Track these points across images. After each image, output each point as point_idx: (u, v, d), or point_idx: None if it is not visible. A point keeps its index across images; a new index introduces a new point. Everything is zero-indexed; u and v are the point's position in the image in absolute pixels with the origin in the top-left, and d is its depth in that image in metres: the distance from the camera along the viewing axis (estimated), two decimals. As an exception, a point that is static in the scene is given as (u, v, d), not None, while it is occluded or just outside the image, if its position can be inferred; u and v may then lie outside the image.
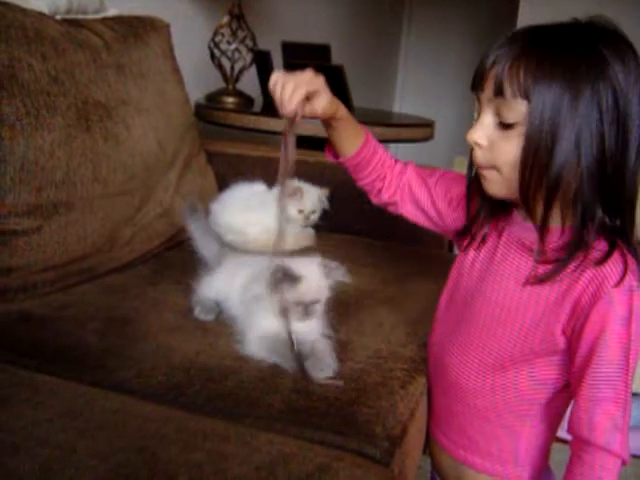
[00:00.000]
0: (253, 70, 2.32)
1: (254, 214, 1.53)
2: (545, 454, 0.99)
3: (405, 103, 4.71)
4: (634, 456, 1.54)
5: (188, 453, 0.75)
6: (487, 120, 0.84)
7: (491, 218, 0.95)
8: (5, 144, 1.10)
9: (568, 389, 0.90)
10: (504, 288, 0.92)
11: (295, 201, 1.54)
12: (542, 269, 0.86)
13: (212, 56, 2.18)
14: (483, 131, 0.85)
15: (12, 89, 1.12)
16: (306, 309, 0.99)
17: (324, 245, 1.55)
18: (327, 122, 1.03)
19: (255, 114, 2.11)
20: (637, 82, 0.78)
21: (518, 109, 0.80)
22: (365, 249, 1.61)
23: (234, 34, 2.17)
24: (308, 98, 0.95)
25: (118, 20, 1.50)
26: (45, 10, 1.30)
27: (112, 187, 1.32)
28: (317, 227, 1.64)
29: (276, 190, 1.57)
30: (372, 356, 1.04)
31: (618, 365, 0.81)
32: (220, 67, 2.20)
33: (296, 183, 1.55)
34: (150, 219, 1.45)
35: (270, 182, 1.61)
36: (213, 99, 2.22)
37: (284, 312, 0.98)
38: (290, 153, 0.96)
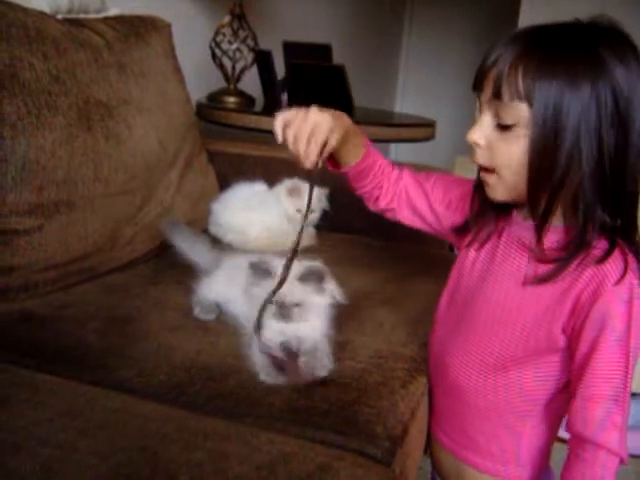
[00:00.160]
0: (254, 70, 2.32)
1: (255, 214, 1.53)
2: (546, 454, 0.99)
3: (406, 103, 4.71)
4: (633, 456, 1.54)
5: (189, 452, 0.75)
6: (486, 121, 0.84)
7: (492, 218, 0.95)
8: (6, 143, 1.10)
9: (569, 389, 0.90)
10: (505, 288, 0.92)
11: (293, 200, 1.54)
12: (543, 269, 0.86)
13: (213, 56, 2.18)
14: (482, 131, 0.85)
15: (13, 88, 1.12)
16: (282, 310, 0.97)
17: (325, 245, 1.55)
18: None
19: (256, 114, 2.11)
20: (638, 83, 0.78)
21: (516, 112, 0.80)
22: (365, 249, 1.61)
23: (235, 34, 2.17)
24: (325, 144, 0.94)
25: (119, 20, 1.50)
26: (46, 9, 1.30)
27: (113, 186, 1.32)
28: (318, 227, 1.64)
29: (281, 188, 1.57)
30: (373, 356, 1.04)
31: (618, 364, 0.81)
32: (221, 67, 2.20)
33: (295, 182, 1.54)
34: (151, 218, 1.45)
35: (271, 182, 1.61)
36: (214, 99, 2.22)
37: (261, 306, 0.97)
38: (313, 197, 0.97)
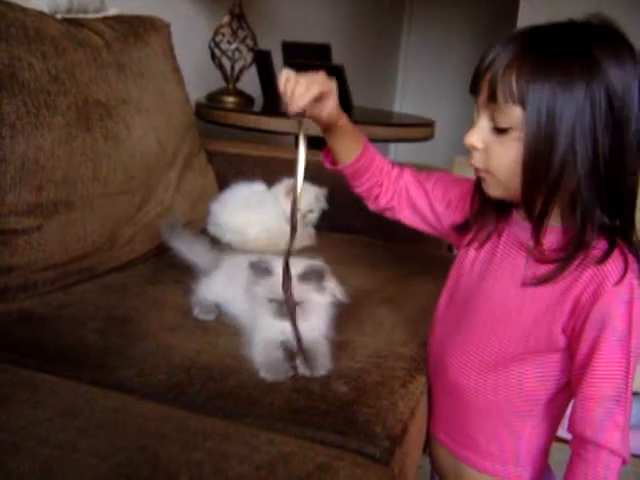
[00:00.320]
0: (253, 70, 2.32)
1: (254, 214, 1.53)
2: (545, 453, 0.99)
3: (405, 103, 4.71)
4: (634, 455, 1.54)
5: (189, 452, 0.75)
6: (483, 124, 0.85)
7: (492, 218, 0.95)
8: (5, 143, 1.10)
9: (569, 388, 0.90)
10: (504, 288, 0.92)
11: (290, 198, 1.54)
12: (542, 269, 0.86)
13: (212, 56, 2.18)
14: (479, 134, 0.85)
15: (12, 88, 1.12)
16: (280, 308, 0.97)
17: (324, 245, 1.55)
18: (328, 129, 1.03)
19: (255, 114, 2.11)
20: (634, 83, 0.78)
21: (511, 115, 0.80)
22: (365, 249, 1.61)
23: (234, 34, 2.17)
24: (317, 100, 0.94)
25: (118, 19, 1.49)
26: (45, 9, 1.30)
27: (112, 186, 1.32)
28: (317, 227, 1.64)
29: (280, 188, 1.57)
30: (372, 355, 1.04)
31: (618, 364, 0.81)
32: (220, 67, 2.20)
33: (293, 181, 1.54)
34: (150, 218, 1.45)
35: (270, 182, 1.61)
36: (213, 99, 2.22)
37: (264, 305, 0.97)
38: (301, 153, 0.94)
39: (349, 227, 1.71)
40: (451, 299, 1.04)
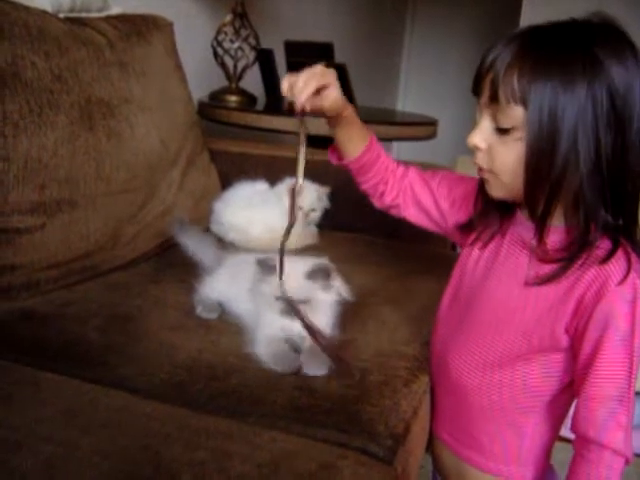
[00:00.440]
0: (256, 69, 2.32)
1: (256, 213, 1.53)
2: (548, 453, 0.99)
3: (408, 102, 4.70)
4: (637, 455, 1.54)
5: (191, 451, 0.75)
6: (485, 124, 0.85)
7: (496, 218, 0.95)
8: (8, 142, 1.10)
9: (572, 387, 0.89)
10: (507, 287, 0.92)
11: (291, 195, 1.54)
12: (546, 269, 0.86)
13: (215, 55, 2.18)
14: (482, 135, 0.85)
15: (15, 87, 1.12)
16: (287, 306, 0.97)
17: (327, 244, 1.55)
18: (333, 121, 1.03)
19: (258, 112, 2.11)
20: (636, 81, 0.78)
21: (513, 115, 0.80)
22: (368, 247, 1.60)
23: (237, 33, 2.17)
24: (318, 92, 0.95)
25: (121, 18, 1.50)
26: (48, 8, 1.30)
27: (115, 185, 1.32)
28: (320, 225, 1.64)
29: (282, 186, 1.57)
30: (375, 354, 1.04)
31: (621, 363, 0.81)
32: (223, 65, 2.20)
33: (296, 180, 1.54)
34: (153, 217, 1.45)
35: (273, 180, 1.61)
36: (216, 97, 2.22)
37: (270, 304, 0.97)
38: (302, 150, 0.95)
39: (351, 226, 1.71)
40: (454, 298, 1.03)
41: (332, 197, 1.62)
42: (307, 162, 0.98)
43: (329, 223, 1.63)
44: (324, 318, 1.01)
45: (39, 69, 1.16)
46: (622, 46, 0.79)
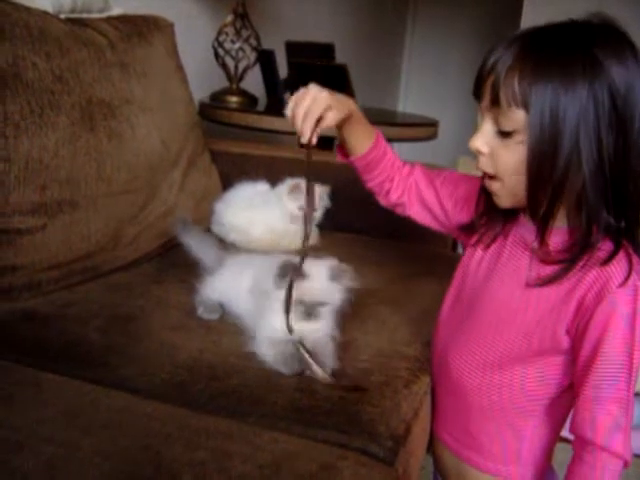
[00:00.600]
0: (257, 69, 2.32)
1: (257, 213, 1.53)
2: (548, 454, 0.98)
3: (409, 102, 4.70)
4: (636, 455, 1.53)
5: (192, 451, 0.75)
6: (487, 128, 0.85)
7: (499, 220, 0.95)
8: (9, 143, 1.10)
9: (572, 390, 0.89)
10: (509, 288, 0.92)
11: (295, 199, 1.54)
12: (548, 270, 0.86)
13: (216, 55, 2.18)
14: (483, 138, 0.85)
15: (16, 88, 1.12)
16: (308, 310, 0.98)
17: (328, 244, 1.55)
18: (340, 124, 1.04)
19: (259, 113, 2.11)
20: (637, 80, 0.78)
21: (515, 118, 0.80)
22: (369, 248, 1.60)
23: (238, 33, 2.17)
24: (320, 119, 0.96)
25: (122, 19, 1.50)
26: (49, 9, 1.31)
27: (116, 186, 1.32)
28: (320, 226, 1.64)
29: (283, 187, 1.57)
30: (376, 355, 1.04)
31: (621, 365, 0.81)
32: (224, 66, 2.20)
33: (297, 181, 1.54)
34: (154, 218, 1.45)
35: (274, 181, 1.61)
36: (217, 98, 2.22)
37: (287, 308, 0.97)
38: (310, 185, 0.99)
39: (352, 226, 1.71)
40: (456, 299, 1.03)
41: (333, 197, 1.62)
42: (310, 163, 0.99)
43: (330, 223, 1.63)
44: (323, 320, 1.01)
45: (40, 70, 1.17)
46: (622, 46, 0.79)
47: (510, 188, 0.86)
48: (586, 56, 0.77)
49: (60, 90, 1.20)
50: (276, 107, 2.29)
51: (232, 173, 1.74)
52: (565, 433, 0.92)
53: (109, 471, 0.70)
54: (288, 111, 0.98)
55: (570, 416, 0.88)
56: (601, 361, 0.81)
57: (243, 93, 2.24)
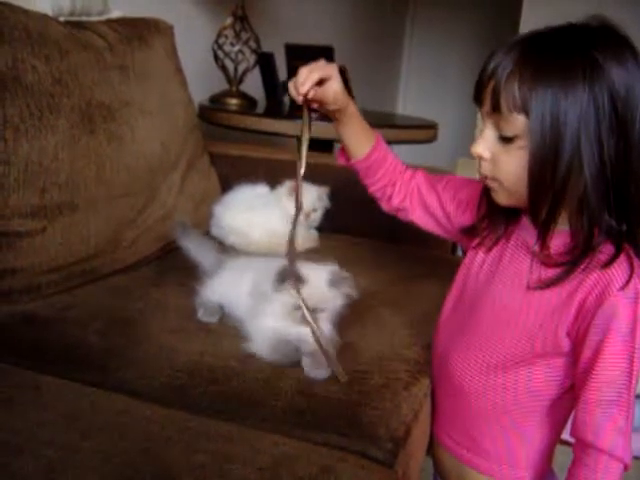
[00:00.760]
0: (256, 72, 2.32)
1: (257, 216, 1.53)
2: (549, 456, 0.98)
3: (408, 105, 4.71)
4: (636, 457, 1.53)
5: (191, 454, 0.75)
6: (489, 134, 0.85)
7: (501, 222, 0.95)
8: (9, 146, 1.10)
9: (572, 392, 0.89)
10: (511, 290, 0.92)
11: (294, 199, 1.54)
12: (549, 272, 0.86)
13: (215, 58, 2.18)
14: (485, 144, 0.85)
15: (16, 91, 1.12)
16: (304, 315, 0.97)
17: (327, 247, 1.55)
18: (338, 117, 1.04)
19: (258, 116, 2.11)
20: (636, 82, 0.78)
21: (515, 123, 0.80)
22: (368, 250, 1.60)
23: (237, 36, 2.17)
24: (321, 83, 0.97)
25: (121, 22, 1.50)
26: (49, 12, 1.31)
27: (116, 188, 1.32)
28: (320, 228, 1.64)
29: (282, 189, 1.57)
30: (375, 357, 1.03)
31: (622, 368, 0.81)
32: (223, 69, 2.20)
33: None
34: (153, 221, 1.45)
35: (273, 184, 1.61)
36: (216, 101, 2.22)
37: (289, 313, 0.98)
38: (305, 136, 0.98)
39: (352, 229, 1.71)
40: (458, 301, 1.03)
41: (332, 200, 1.62)
42: (307, 164, 0.99)
43: (329, 225, 1.63)
44: (331, 323, 1.02)
45: (39, 73, 1.17)
46: (621, 48, 0.79)
47: (511, 190, 0.86)
48: (586, 59, 0.77)
49: (60, 93, 1.20)
50: (275, 109, 2.29)
51: (231, 175, 1.74)
52: (566, 436, 0.92)
53: (108, 474, 0.70)
54: (291, 84, 0.98)
55: (571, 419, 0.88)
56: (602, 364, 0.81)
57: (242, 95, 2.24)
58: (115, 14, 1.57)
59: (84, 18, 1.45)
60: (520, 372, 0.91)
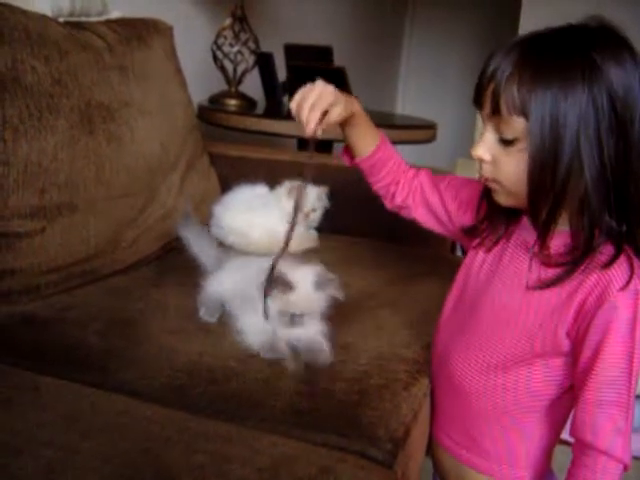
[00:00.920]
0: (256, 72, 2.32)
1: (256, 216, 1.53)
2: (549, 456, 0.99)
3: (407, 105, 4.71)
4: (635, 458, 1.53)
5: (191, 455, 0.75)
6: (489, 136, 0.85)
7: (501, 222, 0.95)
8: (8, 146, 1.10)
9: (572, 392, 0.89)
10: (511, 290, 0.92)
11: (294, 199, 1.54)
12: (549, 273, 0.86)
13: (215, 58, 2.18)
14: (486, 147, 0.86)
15: (15, 91, 1.12)
16: (292, 319, 0.99)
17: (327, 247, 1.55)
18: (344, 122, 1.05)
19: (257, 116, 2.11)
20: (635, 82, 0.78)
21: (515, 126, 0.80)
22: (368, 250, 1.60)
23: (237, 36, 2.17)
24: (325, 113, 0.98)
25: (121, 22, 1.50)
26: (48, 12, 1.31)
27: (115, 189, 1.32)
28: (319, 229, 1.64)
29: (282, 190, 1.57)
30: (375, 358, 1.03)
31: (622, 369, 0.81)
32: (223, 69, 2.20)
33: (295, 182, 1.55)
34: (153, 221, 1.45)
35: (272, 184, 1.61)
36: (216, 101, 2.22)
37: (272, 316, 0.99)
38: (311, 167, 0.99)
39: (351, 229, 1.71)
40: (458, 301, 1.03)
41: (331, 200, 1.62)
42: (307, 165, 0.99)
43: (328, 226, 1.63)
44: (320, 324, 1.02)
45: (39, 73, 1.17)
46: (620, 48, 0.79)
47: (511, 192, 0.87)
48: (584, 60, 0.77)
49: (59, 93, 1.20)
50: (275, 110, 2.29)
51: (231, 176, 1.74)
52: (565, 436, 0.92)
53: (108, 475, 0.70)
54: (293, 104, 0.99)
55: (570, 418, 0.88)
56: (601, 365, 0.81)
57: (242, 96, 2.24)
58: (114, 15, 1.57)
59: (83, 19, 1.45)
60: (520, 372, 0.91)
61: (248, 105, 2.24)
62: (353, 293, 1.28)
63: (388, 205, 1.14)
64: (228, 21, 2.16)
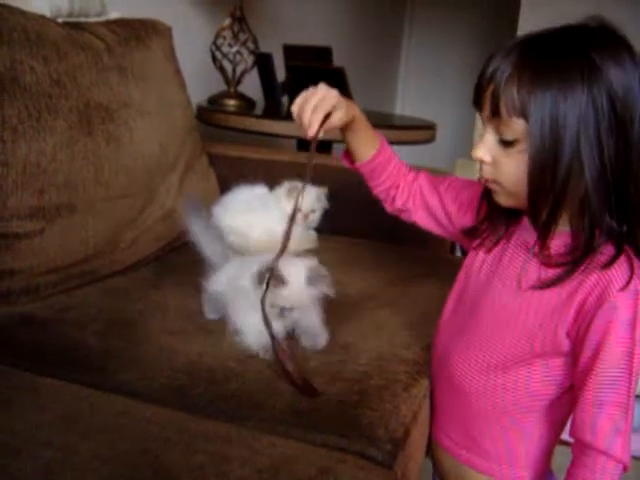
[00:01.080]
0: (255, 73, 2.32)
1: (256, 216, 1.53)
2: (548, 456, 0.98)
3: (406, 105, 4.71)
4: (635, 458, 1.53)
5: (190, 455, 0.75)
6: (489, 138, 0.85)
7: (501, 222, 0.95)
8: (7, 147, 1.10)
9: (572, 392, 0.89)
10: (511, 290, 0.92)
11: (293, 201, 1.54)
12: (550, 273, 0.86)
13: (214, 59, 2.18)
14: (486, 148, 0.86)
15: (14, 92, 1.12)
16: (281, 312, 0.99)
17: (326, 247, 1.55)
18: (344, 127, 1.05)
19: (257, 117, 2.11)
20: (635, 82, 0.78)
21: (515, 128, 0.80)
22: (367, 251, 1.60)
23: (236, 37, 2.17)
24: (327, 116, 0.98)
25: (120, 23, 1.50)
26: (47, 13, 1.31)
27: (114, 190, 1.32)
28: (319, 229, 1.64)
29: (281, 190, 1.57)
30: (375, 358, 1.03)
31: (621, 369, 0.81)
32: (222, 70, 2.20)
33: (295, 183, 1.55)
34: (152, 222, 1.45)
35: (272, 184, 1.61)
36: (215, 102, 2.22)
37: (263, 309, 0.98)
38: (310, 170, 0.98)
39: (351, 230, 1.71)
40: (458, 301, 1.03)
41: (331, 201, 1.62)
42: (305, 164, 0.99)
43: (328, 226, 1.63)
44: (316, 319, 1.02)
45: (38, 74, 1.17)
46: (619, 48, 0.79)
47: (512, 192, 0.87)
48: (584, 61, 0.77)
49: (58, 94, 1.20)
50: (274, 110, 2.29)
51: (230, 176, 1.74)
52: (565, 436, 0.92)
53: (108, 475, 0.70)
54: (295, 106, 0.99)
55: (570, 419, 0.88)
56: (601, 365, 0.81)
57: (241, 96, 2.24)
58: (113, 15, 1.57)
59: (82, 19, 1.45)
60: (520, 372, 0.91)
61: (247, 105, 2.24)
62: (353, 294, 1.28)
63: (388, 208, 1.14)
64: (227, 21, 2.16)
